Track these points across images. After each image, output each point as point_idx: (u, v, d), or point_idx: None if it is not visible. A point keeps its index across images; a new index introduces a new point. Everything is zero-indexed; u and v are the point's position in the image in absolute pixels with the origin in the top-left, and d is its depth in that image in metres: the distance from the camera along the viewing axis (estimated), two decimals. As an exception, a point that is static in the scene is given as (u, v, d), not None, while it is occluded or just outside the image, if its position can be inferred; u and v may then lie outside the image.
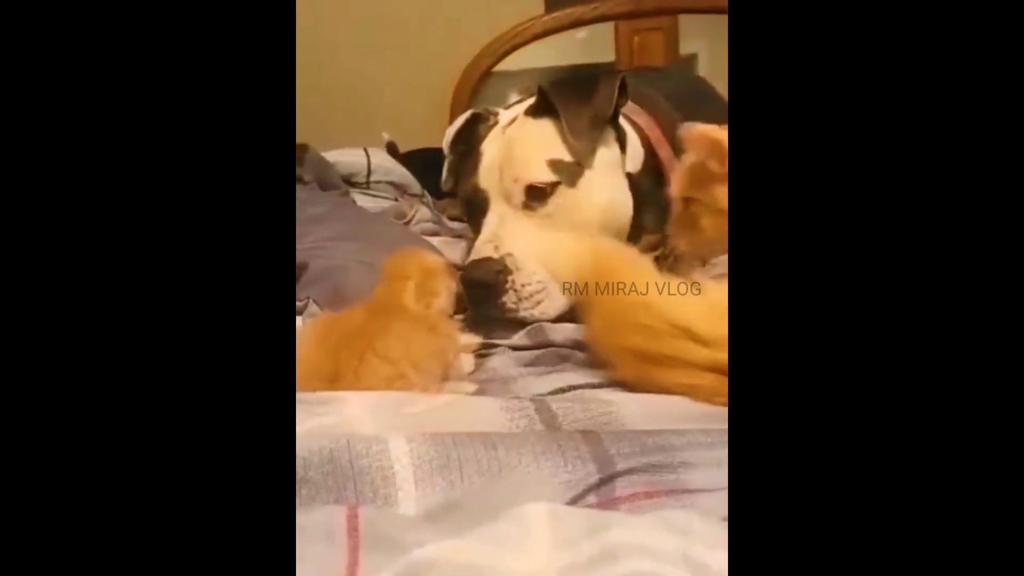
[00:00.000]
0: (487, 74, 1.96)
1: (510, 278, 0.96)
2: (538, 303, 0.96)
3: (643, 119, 1.12)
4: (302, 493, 0.52)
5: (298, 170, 1.48)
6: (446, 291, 0.85)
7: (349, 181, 1.61)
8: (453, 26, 1.99)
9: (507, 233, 1.00)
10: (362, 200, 1.54)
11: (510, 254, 0.98)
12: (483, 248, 1.00)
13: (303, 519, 0.47)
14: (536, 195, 1.00)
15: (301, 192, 1.42)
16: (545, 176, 1.00)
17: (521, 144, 1.03)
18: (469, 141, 1.14)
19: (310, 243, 1.11)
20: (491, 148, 1.07)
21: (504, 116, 1.13)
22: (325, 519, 0.47)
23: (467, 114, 1.19)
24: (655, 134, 1.11)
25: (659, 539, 0.45)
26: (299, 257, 1.08)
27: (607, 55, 1.94)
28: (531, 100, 1.08)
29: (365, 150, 1.67)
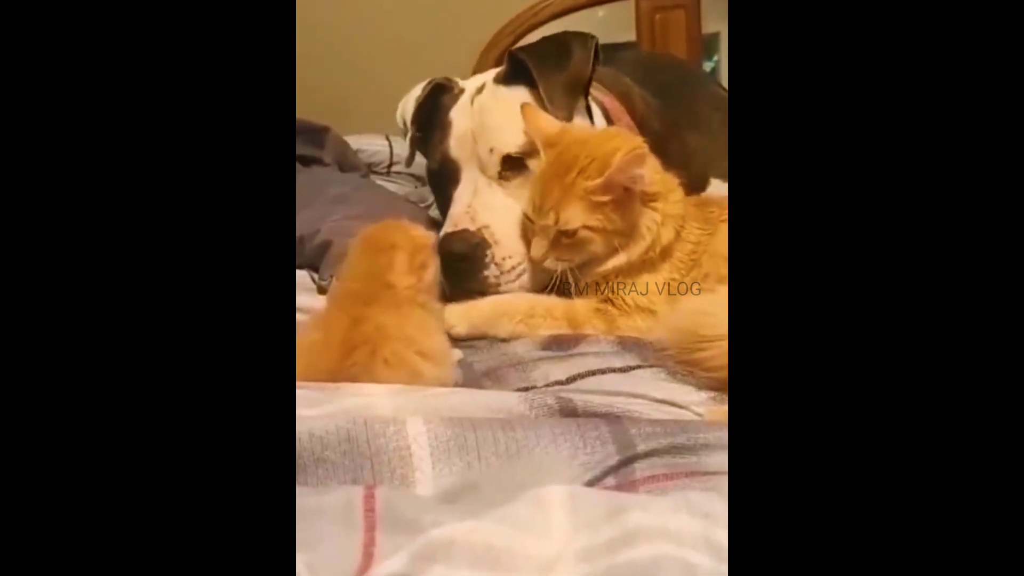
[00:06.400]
0: (505, 54, 1.94)
1: (490, 252, 0.94)
2: (519, 276, 0.95)
3: (608, 100, 1.10)
4: (319, 473, 0.52)
5: (319, 152, 1.48)
6: (433, 265, 0.81)
7: (370, 169, 1.60)
8: (472, 6, 1.97)
9: (482, 204, 0.97)
10: (382, 184, 1.54)
11: (487, 226, 0.95)
12: (460, 220, 0.97)
13: (320, 499, 0.47)
14: (512, 165, 0.97)
15: (323, 173, 1.43)
16: (522, 145, 0.97)
17: (494, 113, 1.00)
18: (433, 113, 1.08)
19: (334, 221, 1.11)
20: (461, 117, 1.03)
21: (470, 84, 1.09)
22: (342, 499, 0.47)
23: (426, 84, 1.11)
24: (615, 109, 1.09)
25: (680, 522, 0.44)
26: (323, 235, 1.08)
27: (627, 34, 1.91)
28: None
29: (387, 138, 1.66)
